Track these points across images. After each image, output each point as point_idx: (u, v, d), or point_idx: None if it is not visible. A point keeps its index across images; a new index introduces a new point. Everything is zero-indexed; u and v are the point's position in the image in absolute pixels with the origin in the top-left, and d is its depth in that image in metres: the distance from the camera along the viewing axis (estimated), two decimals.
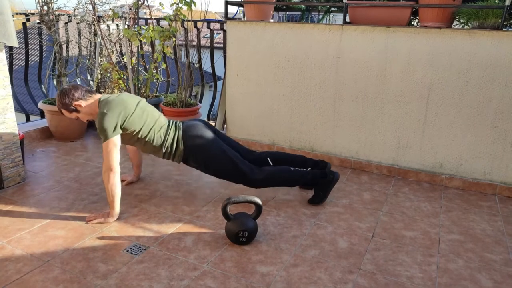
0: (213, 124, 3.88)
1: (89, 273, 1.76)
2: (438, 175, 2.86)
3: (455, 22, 2.87)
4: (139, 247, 1.97)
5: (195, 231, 2.14)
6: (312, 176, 2.47)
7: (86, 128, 3.71)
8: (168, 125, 2.37)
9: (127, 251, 1.93)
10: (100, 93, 3.87)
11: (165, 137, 2.32)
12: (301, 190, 2.67)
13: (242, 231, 1.98)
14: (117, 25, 4.05)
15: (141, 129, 2.26)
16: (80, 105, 2.23)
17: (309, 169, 2.52)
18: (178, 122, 2.42)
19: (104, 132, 2.12)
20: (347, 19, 2.98)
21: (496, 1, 2.55)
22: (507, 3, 2.46)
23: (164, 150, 2.33)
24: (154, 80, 3.82)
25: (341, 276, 1.80)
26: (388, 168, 3.01)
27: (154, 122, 2.31)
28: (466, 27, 2.81)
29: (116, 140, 2.14)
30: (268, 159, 2.54)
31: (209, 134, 2.37)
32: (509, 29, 2.87)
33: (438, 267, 1.89)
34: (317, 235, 2.14)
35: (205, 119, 4.19)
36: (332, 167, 2.79)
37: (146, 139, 2.29)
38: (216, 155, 2.34)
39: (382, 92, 2.89)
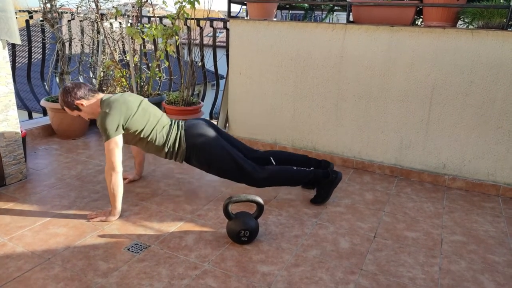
0: (215, 123, 3.88)
1: (90, 271, 1.76)
2: (441, 175, 2.85)
3: (460, 22, 2.85)
4: (140, 245, 1.97)
5: (196, 230, 2.14)
6: (314, 176, 2.46)
7: (89, 126, 3.71)
8: (171, 124, 2.37)
9: (128, 249, 1.93)
10: (103, 91, 3.87)
11: (167, 137, 2.32)
12: (303, 190, 2.66)
13: (243, 230, 1.97)
14: (120, 23, 4.04)
15: (143, 129, 2.25)
16: (82, 104, 2.23)
17: (311, 168, 2.51)
18: (180, 122, 2.41)
19: (106, 131, 2.12)
20: (351, 18, 2.96)
21: (501, 1, 2.53)
22: None
23: (166, 150, 2.33)
24: (157, 78, 3.82)
25: (343, 276, 1.80)
26: (390, 168, 2.99)
27: (156, 122, 2.31)
28: (470, 26, 2.79)
29: (118, 140, 2.14)
30: (271, 158, 2.54)
31: (211, 133, 2.36)
32: None
33: (440, 268, 1.88)
34: (319, 235, 2.13)
35: (208, 117, 4.18)
36: (334, 167, 2.78)
37: (149, 139, 2.28)
38: (218, 154, 2.33)
39: (385, 92, 2.88)
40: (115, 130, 2.13)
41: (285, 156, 2.61)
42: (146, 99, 2.40)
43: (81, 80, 4.25)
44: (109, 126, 2.11)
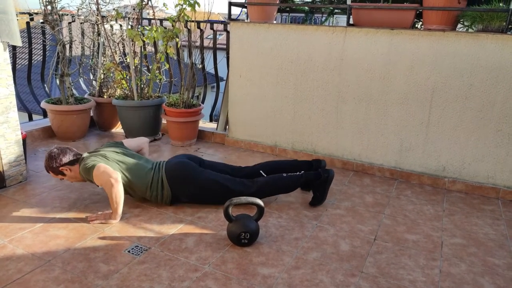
0: (215, 125, 3.88)
1: (90, 273, 1.75)
2: (441, 178, 2.85)
3: (459, 25, 2.87)
4: (141, 247, 1.97)
5: (197, 232, 2.14)
6: (306, 179, 2.47)
7: (89, 128, 3.71)
8: (152, 168, 2.36)
9: (129, 251, 1.93)
10: (103, 93, 3.88)
11: (150, 181, 2.31)
12: (303, 192, 2.66)
13: (244, 233, 1.97)
14: (121, 25, 4.05)
15: (125, 176, 2.27)
16: (66, 170, 2.27)
17: (302, 172, 2.51)
18: (161, 163, 2.40)
19: (90, 167, 2.16)
20: (351, 21, 2.97)
21: (500, 5, 2.54)
22: None
23: (150, 193, 2.33)
24: (157, 81, 3.82)
25: (343, 279, 1.80)
26: (390, 170, 3.00)
27: (136, 169, 2.31)
28: (470, 30, 2.80)
29: (102, 163, 2.19)
30: (261, 171, 2.54)
31: (192, 167, 2.36)
32: None
33: (440, 271, 1.88)
34: (319, 237, 2.13)
35: (208, 120, 4.19)
36: (334, 170, 2.78)
37: (131, 186, 2.30)
38: (204, 184, 2.33)
39: (385, 95, 2.88)
40: (96, 161, 2.20)
41: (274, 165, 2.61)
42: (124, 146, 2.47)
43: (81, 83, 4.25)
44: (89, 164, 2.18)
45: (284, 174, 2.47)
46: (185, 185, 2.33)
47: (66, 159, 2.26)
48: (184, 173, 2.33)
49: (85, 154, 2.32)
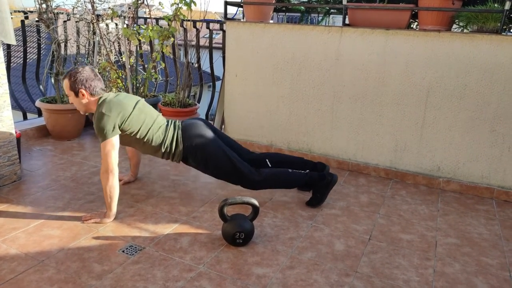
0: None
1: (84, 273, 1.75)
2: (435, 178, 2.86)
3: (454, 26, 2.88)
4: (135, 247, 1.96)
5: (192, 232, 2.13)
6: (310, 179, 2.46)
7: (84, 127, 3.69)
8: (167, 124, 2.36)
9: (123, 251, 1.92)
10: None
11: (164, 137, 2.31)
12: (298, 192, 2.66)
13: (238, 233, 1.97)
14: (116, 24, 4.03)
15: (139, 129, 2.24)
16: (83, 94, 2.18)
17: (307, 171, 2.51)
18: (177, 121, 2.40)
19: (103, 132, 2.10)
20: (347, 21, 2.98)
21: (495, 5, 2.55)
22: (507, 7, 2.46)
23: (163, 150, 2.32)
24: (153, 80, 3.81)
25: (338, 279, 1.80)
26: (385, 170, 3.01)
27: (152, 122, 2.30)
28: (465, 30, 2.81)
29: (114, 141, 2.13)
30: (267, 160, 2.53)
31: (208, 133, 2.36)
32: (508, 33, 2.87)
33: (434, 271, 1.89)
34: (314, 237, 2.13)
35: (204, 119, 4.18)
36: (329, 169, 2.79)
37: (145, 140, 2.27)
38: (215, 154, 2.33)
39: (381, 95, 2.89)
40: (112, 131, 2.12)
41: (280, 158, 2.61)
42: (143, 99, 2.39)
43: None
44: (105, 127, 2.10)
45: (290, 170, 2.46)
46: (197, 148, 2.31)
47: (93, 84, 2.17)
48: (200, 134, 2.32)
49: (111, 95, 2.21)
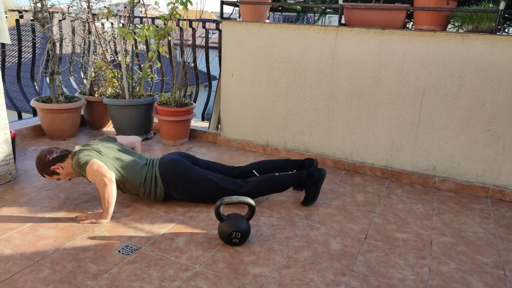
0: (207, 124, 3.87)
1: (79, 274, 1.74)
2: (431, 177, 2.88)
3: (450, 26, 2.89)
4: (131, 247, 1.96)
5: (188, 231, 2.13)
6: (298, 178, 2.47)
7: (79, 127, 3.68)
8: (145, 164, 2.36)
9: (119, 251, 1.92)
10: (94, 92, 3.86)
11: (144, 177, 2.31)
12: (294, 191, 2.67)
13: (235, 232, 1.97)
14: (112, 23, 4.02)
15: (119, 173, 2.25)
16: (58, 168, 2.25)
17: (294, 171, 2.52)
18: (154, 160, 2.41)
19: (83, 163, 2.14)
20: (343, 21, 2.98)
21: (490, 5, 2.56)
22: (501, 7, 2.47)
23: (143, 190, 2.32)
24: (149, 79, 3.80)
25: (334, 278, 1.80)
26: (381, 170, 3.02)
27: (131, 165, 2.31)
28: (460, 30, 2.82)
29: (96, 160, 2.16)
30: (254, 171, 2.55)
31: (185, 164, 2.37)
32: (503, 33, 2.89)
33: (430, 270, 1.90)
34: (310, 236, 2.14)
35: (200, 119, 4.17)
36: (326, 169, 2.79)
37: (125, 181, 2.28)
38: (196, 181, 2.34)
39: (376, 94, 2.90)
40: (90, 156, 2.18)
41: (266, 165, 2.62)
42: (117, 142, 2.46)
43: (72, 81, 4.22)
44: (82, 159, 2.16)
45: (277, 174, 2.47)
46: (178, 182, 2.33)
47: (54, 156, 2.25)
48: (177, 170, 2.33)
49: (77, 148, 2.29)
